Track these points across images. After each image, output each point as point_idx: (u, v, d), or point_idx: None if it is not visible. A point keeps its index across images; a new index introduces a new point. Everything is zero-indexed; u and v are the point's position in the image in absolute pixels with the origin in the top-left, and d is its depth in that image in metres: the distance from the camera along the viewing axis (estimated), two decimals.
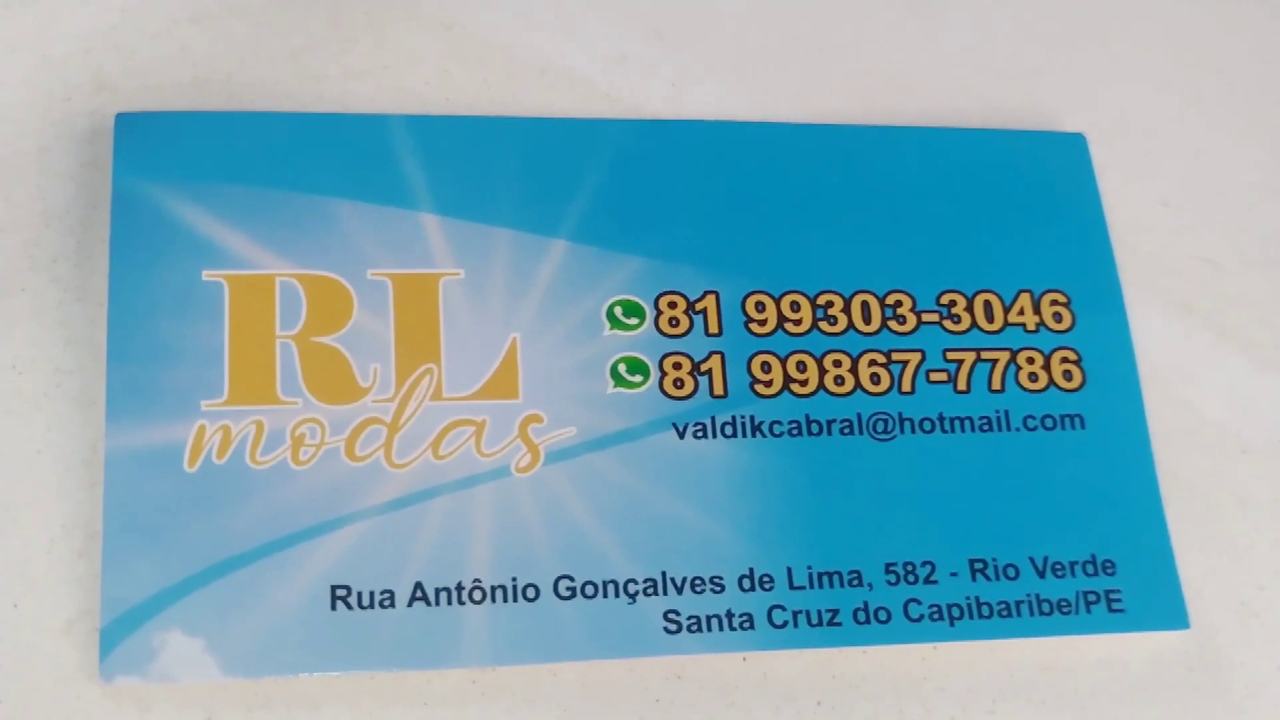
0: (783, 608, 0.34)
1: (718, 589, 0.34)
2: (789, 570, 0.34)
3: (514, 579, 0.33)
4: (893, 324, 0.37)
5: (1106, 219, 0.39)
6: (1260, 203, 0.41)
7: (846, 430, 0.35)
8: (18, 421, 0.33)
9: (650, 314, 0.36)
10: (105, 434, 0.32)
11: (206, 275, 0.34)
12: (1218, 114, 0.42)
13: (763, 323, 0.36)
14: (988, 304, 0.37)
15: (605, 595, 0.33)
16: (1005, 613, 0.34)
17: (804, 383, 0.36)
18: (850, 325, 0.36)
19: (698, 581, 0.34)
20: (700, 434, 0.35)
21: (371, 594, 0.32)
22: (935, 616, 0.34)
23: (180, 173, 0.35)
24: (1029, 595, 0.35)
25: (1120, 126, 0.41)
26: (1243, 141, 0.41)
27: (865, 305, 0.37)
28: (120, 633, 0.31)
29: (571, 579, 0.33)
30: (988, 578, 0.35)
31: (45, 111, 0.36)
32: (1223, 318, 0.39)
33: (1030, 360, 0.37)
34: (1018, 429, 0.36)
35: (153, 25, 0.37)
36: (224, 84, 0.36)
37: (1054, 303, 0.38)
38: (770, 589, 0.34)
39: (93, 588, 0.32)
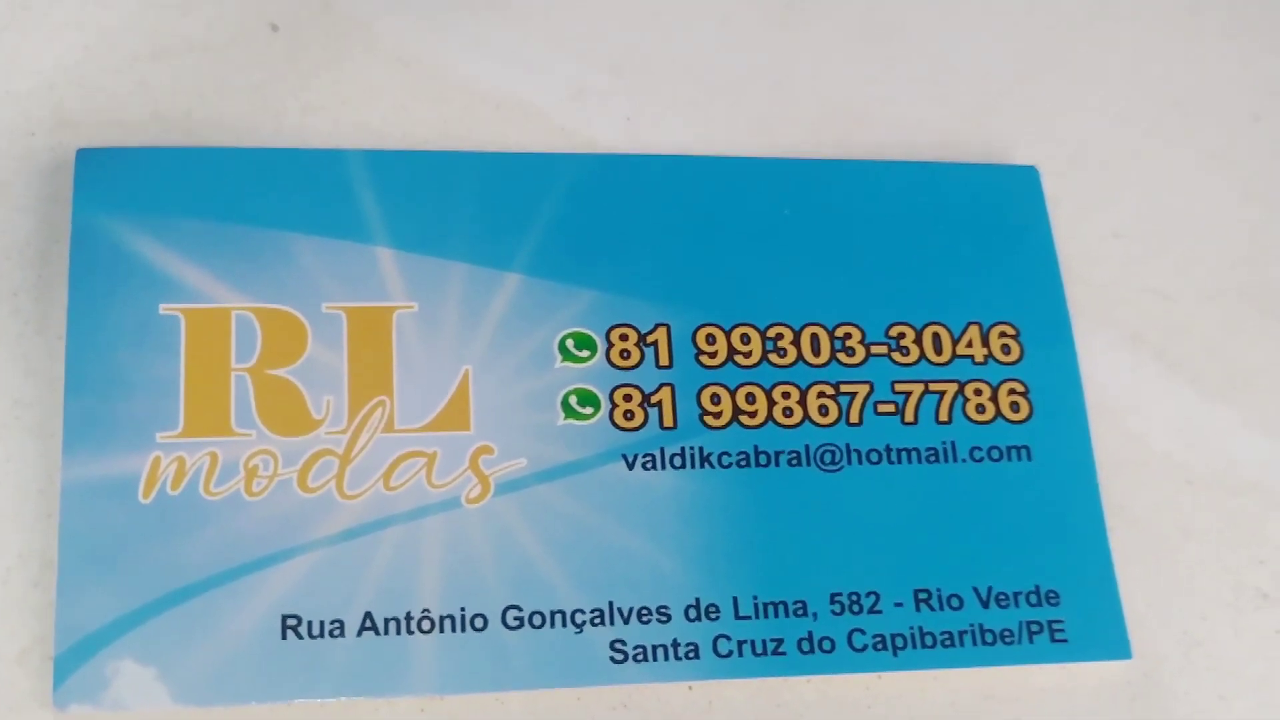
0: (728, 637, 0.34)
1: (664, 619, 0.34)
2: (735, 600, 0.35)
3: (462, 609, 0.34)
4: (841, 356, 0.37)
5: (1058, 251, 0.39)
6: (1213, 234, 0.41)
7: (794, 461, 0.36)
8: None
9: (602, 346, 0.36)
10: (61, 465, 0.33)
11: (164, 309, 0.35)
12: (1173, 146, 0.42)
13: (713, 355, 0.37)
14: (936, 336, 0.38)
15: (552, 625, 0.34)
16: (949, 642, 0.35)
17: (753, 414, 0.36)
18: (800, 357, 0.37)
19: (644, 611, 0.34)
20: (649, 465, 0.35)
21: (322, 623, 0.33)
22: (879, 646, 0.35)
23: (139, 207, 0.35)
24: (972, 625, 0.35)
25: (1074, 158, 0.41)
26: (1196, 174, 0.42)
27: (815, 337, 0.37)
28: (74, 661, 0.32)
29: (519, 609, 0.34)
30: (932, 608, 0.35)
31: (8, 146, 0.36)
32: (1172, 349, 0.39)
33: (978, 392, 0.37)
34: (964, 460, 0.37)
35: (114, 61, 0.37)
36: (183, 119, 0.37)
37: (1003, 334, 0.38)
38: (716, 619, 0.34)
39: (47, 617, 0.33)
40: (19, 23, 0.37)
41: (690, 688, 0.34)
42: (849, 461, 0.36)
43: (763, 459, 0.36)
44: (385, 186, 0.37)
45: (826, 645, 0.34)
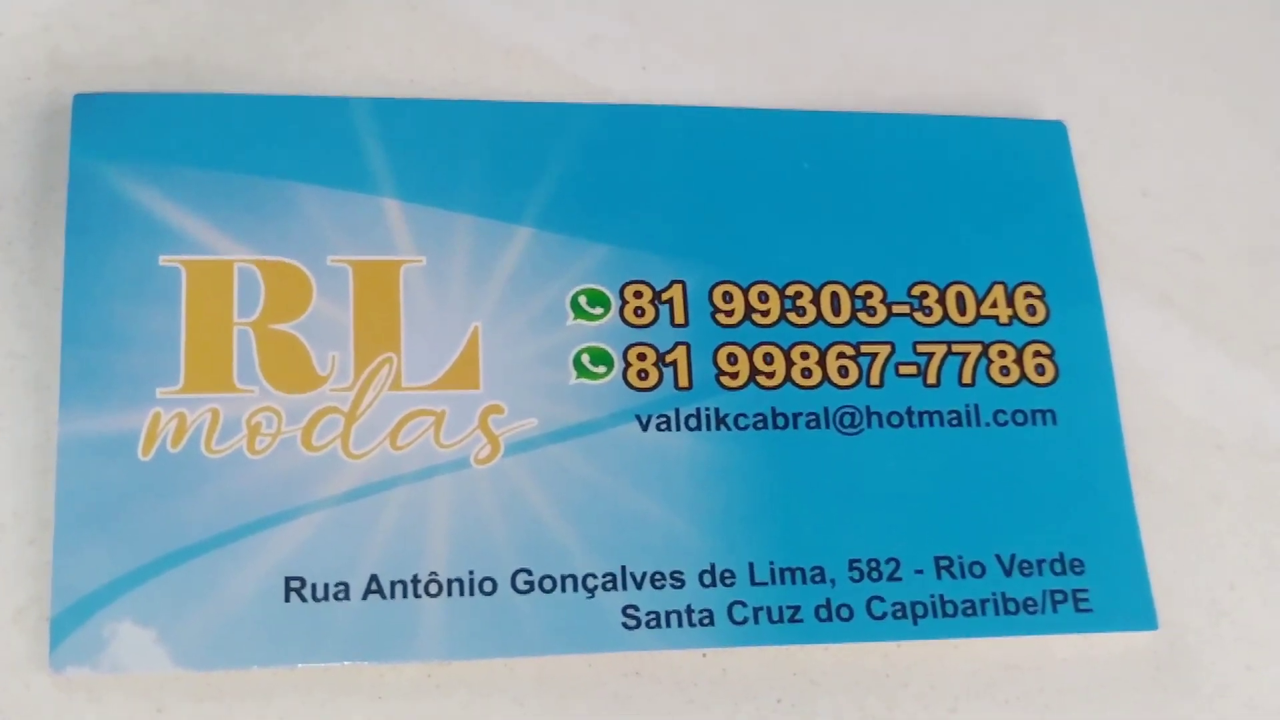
0: (743, 604, 0.33)
1: (678, 584, 0.33)
2: (751, 566, 0.34)
3: (471, 572, 0.33)
4: (862, 315, 0.36)
5: (1086, 209, 0.38)
6: (1244, 192, 0.40)
7: (813, 424, 0.35)
8: None
9: (615, 303, 0.35)
10: (59, 420, 0.32)
11: (164, 260, 0.34)
12: (1202, 102, 0.41)
13: (730, 313, 0.36)
14: (960, 296, 0.37)
15: (563, 590, 0.33)
16: (970, 611, 0.34)
17: (771, 375, 0.35)
18: (819, 317, 0.36)
19: (658, 576, 0.33)
20: (664, 426, 0.34)
21: (326, 586, 0.32)
22: (899, 614, 0.34)
23: (139, 155, 0.34)
24: (994, 594, 0.34)
25: (1102, 114, 0.40)
26: (1227, 130, 0.41)
27: (835, 296, 0.36)
28: (71, 622, 0.31)
29: (529, 573, 0.33)
30: (953, 575, 0.34)
31: (2, 90, 0.35)
32: (1201, 310, 0.38)
33: (1002, 354, 0.36)
34: (988, 424, 0.36)
35: (112, 3, 0.36)
36: (184, 64, 0.36)
37: (1028, 295, 0.37)
38: (731, 585, 0.33)
39: (44, 576, 0.32)
40: None
41: (704, 655, 0.33)
42: (869, 424, 0.35)
43: (780, 421, 0.35)
44: (392, 136, 0.35)
45: (845, 613, 0.34)
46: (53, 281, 0.34)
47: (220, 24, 0.36)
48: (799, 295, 0.36)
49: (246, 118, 0.35)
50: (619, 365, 0.35)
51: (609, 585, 0.33)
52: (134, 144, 0.34)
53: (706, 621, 0.33)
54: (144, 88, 0.35)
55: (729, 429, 0.35)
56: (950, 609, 0.34)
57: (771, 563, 0.34)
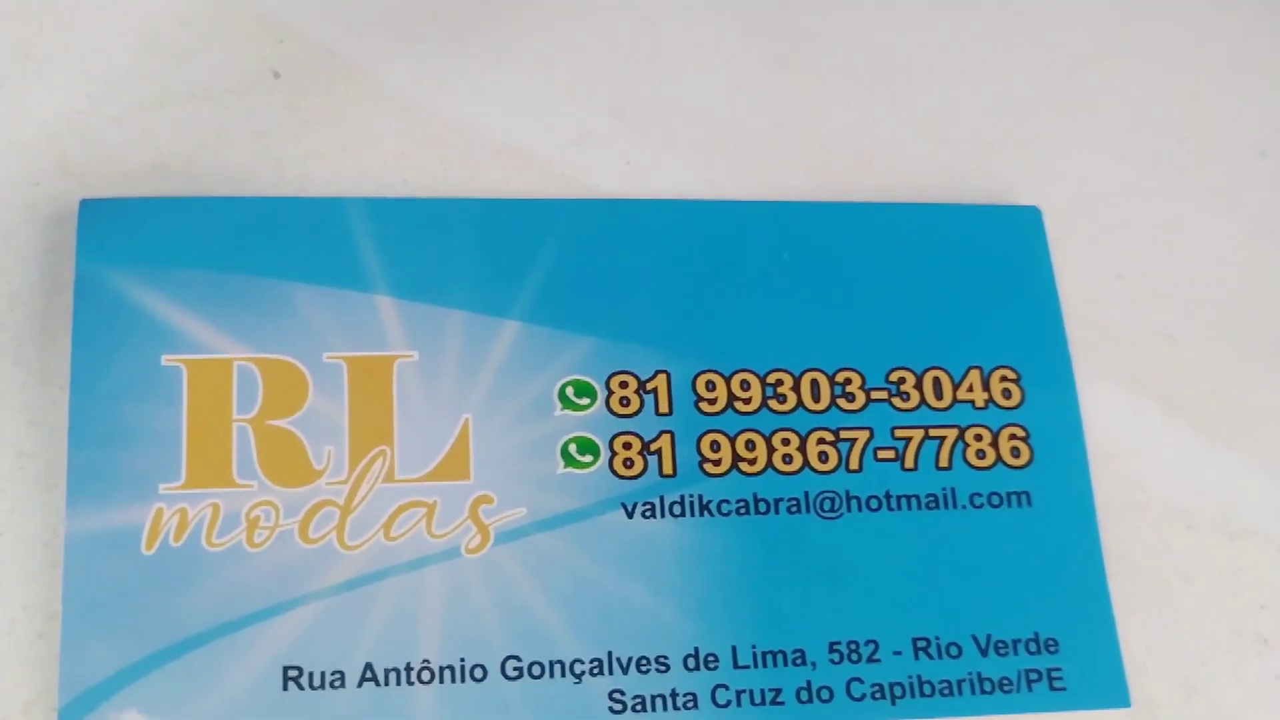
0: (726, 687, 0.34)
1: (663, 668, 0.34)
2: (734, 649, 0.35)
3: (462, 659, 0.34)
4: (842, 402, 0.37)
5: (1061, 292, 0.39)
6: (1217, 274, 0.41)
7: (794, 509, 0.36)
8: None
9: (601, 394, 0.36)
10: (66, 516, 0.33)
11: (166, 360, 0.35)
12: (1177, 184, 0.42)
13: (713, 401, 0.37)
14: (937, 381, 0.38)
15: (551, 675, 0.34)
16: (947, 691, 0.35)
17: (753, 461, 0.36)
18: (800, 403, 0.37)
19: (643, 661, 0.34)
20: (649, 514, 0.36)
21: (323, 674, 0.33)
22: (877, 695, 0.35)
23: (142, 258, 0.36)
24: (971, 674, 0.35)
25: (1077, 198, 0.41)
26: (1201, 212, 0.42)
27: (815, 383, 0.37)
28: (78, 713, 0.32)
29: (519, 659, 0.34)
30: (930, 656, 0.35)
31: (11, 196, 0.36)
32: (1174, 391, 0.39)
33: (978, 437, 0.37)
34: (964, 507, 0.37)
35: (116, 110, 0.38)
36: (185, 167, 0.37)
37: (1004, 379, 0.38)
38: (715, 668, 0.35)
39: (51, 668, 0.33)
40: (22, 72, 0.38)
41: None
42: (849, 509, 0.36)
43: (762, 506, 0.36)
44: (385, 234, 0.37)
45: (825, 695, 0.35)
46: (59, 381, 0.35)
47: (221, 128, 0.38)
48: (780, 383, 0.37)
49: (245, 219, 0.36)
50: (605, 454, 0.36)
51: (595, 670, 0.34)
52: (137, 247, 0.36)
53: (691, 705, 0.34)
54: (147, 191, 0.37)
55: (712, 515, 0.36)
56: (928, 689, 0.35)
57: (754, 646, 0.35)
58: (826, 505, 0.36)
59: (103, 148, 0.37)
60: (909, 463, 0.37)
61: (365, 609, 0.34)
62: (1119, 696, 0.36)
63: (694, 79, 0.41)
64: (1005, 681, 0.35)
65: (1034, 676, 0.35)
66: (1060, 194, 0.41)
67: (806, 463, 0.37)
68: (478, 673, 0.34)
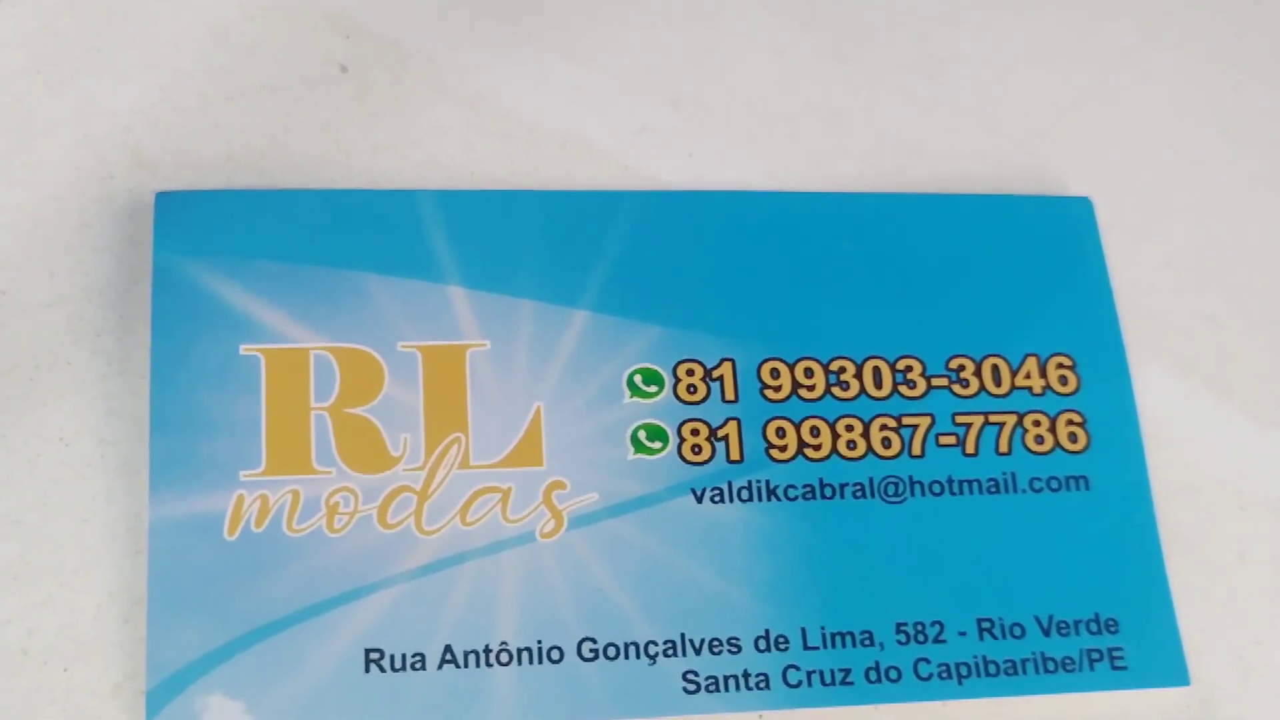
0: (797, 667, 0.35)
1: (734, 650, 0.35)
2: (803, 631, 0.35)
3: (539, 641, 0.35)
4: (903, 389, 0.38)
5: (1112, 280, 0.40)
6: (1264, 260, 0.42)
7: (859, 494, 0.37)
8: (66, 491, 0.35)
9: (669, 382, 0.37)
10: (149, 503, 0.34)
11: (244, 349, 0.36)
12: (1222, 173, 0.43)
13: (777, 389, 0.37)
14: (995, 368, 0.39)
15: (626, 657, 0.35)
16: (1012, 671, 0.36)
17: (817, 447, 0.37)
18: (862, 390, 0.38)
19: (715, 643, 0.35)
20: (717, 499, 0.36)
21: (403, 657, 0.34)
22: (944, 675, 0.36)
23: (218, 249, 0.36)
24: (1034, 654, 0.36)
25: (1125, 188, 0.42)
26: (1247, 200, 0.42)
27: (877, 370, 0.38)
28: (165, 696, 0.33)
29: (594, 641, 0.35)
30: (995, 637, 0.36)
31: (87, 189, 0.37)
32: (1224, 376, 0.40)
33: (1037, 423, 0.38)
34: (1024, 491, 0.37)
35: (189, 102, 0.38)
36: (256, 159, 0.38)
37: (1060, 366, 0.39)
38: (785, 649, 0.35)
39: (138, 652, 0.34)
40: (93, 66, 0.38)
41: (760, 717, 0.35)
42: (912, 493, 0.37)
43: (828, 491, 0.37)
44: (454, 226, 0.37)
45: (893, 674, 0.35)
46: (139, 371, 0.36)
47: (290, 121, 0.38)
48: (843, 370, 0.38)
49: (317, 212, 0.37)
50: (674, 441, 0.37)
51: (669, 652, 0.35)
52: (213, 239, 0.36)
53: (762, 685, 0.35)
54: (219, 183, 0.37)
55: (779, 500, 0.36)
56: (993, 669, 0.36)
57: (823, 627, 0.36)
58: (891, 490, 0.37)
59: (175, 140, 0.38)
60: (970, 448, 0.38)
61: (444, 592, 0.35)
62: (1179, 675, 0.36)
63: (751, 72, 0.42)
64: (1068, 661, 0.36)
65: (1095, 656, 0.36)
66: (1109, 183, 0.42)
67: (870, 448, 0.37)
68: (555, 654, 0.34)
